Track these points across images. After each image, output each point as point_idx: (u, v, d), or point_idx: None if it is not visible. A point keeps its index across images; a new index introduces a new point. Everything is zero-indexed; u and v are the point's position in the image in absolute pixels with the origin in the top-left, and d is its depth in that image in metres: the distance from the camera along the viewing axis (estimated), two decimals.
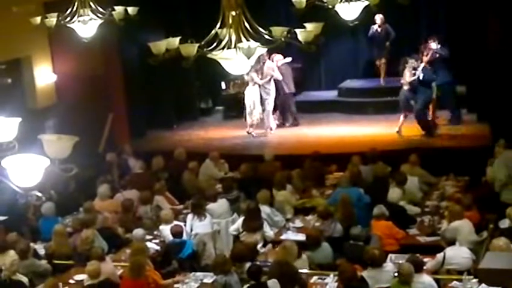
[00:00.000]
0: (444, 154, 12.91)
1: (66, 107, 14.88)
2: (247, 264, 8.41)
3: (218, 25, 7.90)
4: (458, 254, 8.48)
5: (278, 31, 7.81)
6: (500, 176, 10.75)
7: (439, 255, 8.51)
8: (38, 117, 13.92)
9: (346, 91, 17.27)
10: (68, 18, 10.87)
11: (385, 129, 14.83)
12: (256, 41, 7.75)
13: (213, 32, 7.93)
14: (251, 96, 15.29)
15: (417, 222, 10.09)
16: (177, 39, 8.08)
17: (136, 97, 16.28)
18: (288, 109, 16.05)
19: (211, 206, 10.68)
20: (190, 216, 10.40)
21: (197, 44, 7.79)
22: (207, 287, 8.71)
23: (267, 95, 15.35)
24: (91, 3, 10.86)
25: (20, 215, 11.08)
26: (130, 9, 11.02)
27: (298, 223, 10.59)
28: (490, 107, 13.55)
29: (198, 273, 9.15)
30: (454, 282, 8.11)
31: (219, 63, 8.08)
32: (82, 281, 8.86)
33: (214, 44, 7.83)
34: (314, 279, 8.55)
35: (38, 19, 11.04)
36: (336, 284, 8.30)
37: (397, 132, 14.31)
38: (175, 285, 8.86)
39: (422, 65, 13.79)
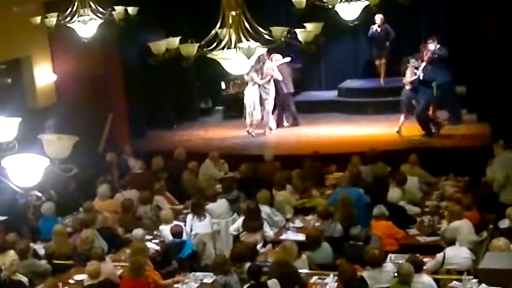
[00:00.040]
0: (444, 154, 12.91)
1: (66, 107, 14.88)
2: (247, 264, 8.41)
3: (218, 25, 7.90)
4: (458, 254, 8.49)
5: (278, 31, 7.81)
6: (498, 176, 10.76)
7: (439, 255, 8.51)
8: (38, 117, 13.92)
9: (346, 91, 17.27)
10: (68, 18, 10.88)
11: (385, 129, 14.83)
12: (256, 41, 7.75)
13: (213, 32, 7.93)
14: (251, 96, 15.29)
15: (417, 222, 10.09)
16: (177, 39, 8.08)
17: (136, 97, 16.28)
18: (287, 109, 16.05)
19: (211, 206, 10.68)
20: (190, 216, 10.40)
21: (197, 44, 7.79)
22: (207, 287, 8.71)
23: (267, 95, 15.35)
24: (91, 3, 10.87)
25: (19, 215, 11.08)
26: (130, 9, 11.02)
27: (298, 223, 10.59)
28: (490, 107, 13.53)
29: (198, 273, 9.15)
30: (454, 282, 8.12)
31: (219, 63, 8.08)
32: (82, 281, 8.86)
33: (214, 44, 7.83)
34: (314, 279, 8.55)
35: (38, 19, 11.05)
36: (336, 284, 8.30)
37: (397, 132, 14.31)
38: (175, 285, 8.86)
39: (424, 64, 13.79)
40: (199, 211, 10.33)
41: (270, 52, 14.28)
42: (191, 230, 10.21)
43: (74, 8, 10.82)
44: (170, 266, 9.33)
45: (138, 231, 9.92)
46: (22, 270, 8.95)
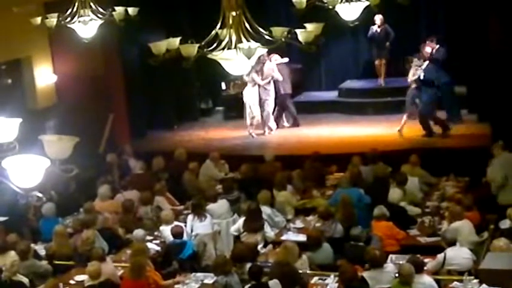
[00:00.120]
0: (445, 155, 12.90)
1: (66, 107, 14.88)
2: (248, 265, 8.41)
3: (218, 25, 7.91)
4: (458, 255, 8.48)
5: (278, 31, 7.81)
6: (497, 177, 10.76)
7: (440, 256, 8.51)
8: (38, 118, 13.92)
9: (346, 91, 17.27)
10: (69, 19, 10.88)
11: (385, 129, 14.82)
12: (256, 42, 7.75)
13: (214, 32, 7.93)
14: (250, 97, 15.29)
15: (418, 222, 10.09)
16: (177, 40, 8.08)
17: (136, 97, 16.28)
18: (286, 110, 16.03)
19: (211, 206, 10.68)
20: (190, 216, 10.39)
21: (197, 45, 7.79)
22: None
23: (267, 95, 15.35)
24: (91, 4, 10.88)
25: (20, 216, 11.07)
26: (131, 10, 11.03)
27: (298, 224, 10.59)
28: (490, 107, 13.53)
29: (199, 274, 9.15)
30: (455, 282, 8.11)
31: (220, 64, 8.08)
32: (83, 281, 8.86)
33: (215, 45, 7.83)
34: (315, 279, 8.55)
35: (39, 19, 11.05)
36: (337, 284, 8.30)
37: (399, 131, 14.29)
38: (176, 286, 8.86)
39: (426, 63, 13.78)
40: (199, 212, 10.32)
41: (269, 52, 14.27)
42: (192, 231, 10.20)
43: (75, 9, 10.82)
44: (171, 267, 9.33)
45: (138, 232, 9.92)
46: (23, 270, 8.95)
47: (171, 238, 9.82)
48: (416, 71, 13.87)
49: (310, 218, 10.67)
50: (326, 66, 18.28)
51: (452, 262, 8.42)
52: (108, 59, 15.49)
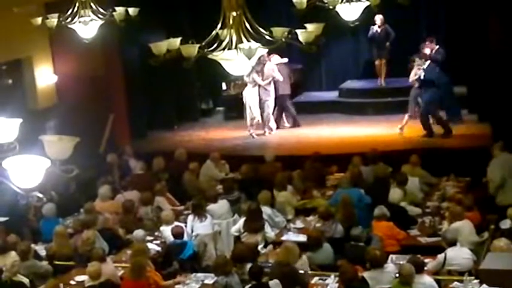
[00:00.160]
0: (445, 155, 12.90)
1: (66, 107, 14.87)
2: (248, 265, 8.41)
3: (219, 26, 7.91)
4: (459, 255, 8.48)
5: (279, 32, 7.81)
6: (495, 178, 10.76)
7: (440, 256, 8.51)
8: (38, 118, 13.91)
9: (346, 92, 17.27)
10: (69, 19, 10.89)
11: (385, 129, 14.82)
12: (257, 42, 7.75)
13: (214, 32, 7.93)
14: (250, 97, 15.29)
15: (418, 223, 10.09)
16: (177, 40, 8.08)
17: (137, 98, 16.28)
18: (285, 110, 16.02)
19: (211, 206, 10.67)
20: (191, 217, 10.39)
21: (198, 45, 7.79)
22: None
23: (267, 96, 15.35)
24: (92, 4, 10.88)
25: (20, 216, 11.07)
26: (131, 10, 11.03)
27: (299, 224, 10.59)
28: (491, 107, 13.54)
29: (199, 274, 9.15)
30: (455, 283, 8.11)
31: (220, 64, 8.08)
32: (83, 282, 8.86)
33: (215, 45, 7.83)
34: (315, 280, 8.55)
35: (39, 20, 11.06)
36: (337, 284, 8.30)
37: (400, 128, 14.27)
38: (176, 286, 8.86)
39: (427, 63, 13.77)
40: (200, 212, 10.32)
41: (269, 53, 14.27)
42: (192, 231, 10.20)
43: (75, 9, 10.83)
44: (171, 267, 9.33)
45: (139, 232, 9.92)
46: (23, 271, 8.95)
47: (171, 238, 9.82)
48: (418, 71, 13.88)
49: (311, 218, 10.67)
50: (326, 67, 18.28)
51: (452, 262, 8.42)
52: (109, 60, 15.49)
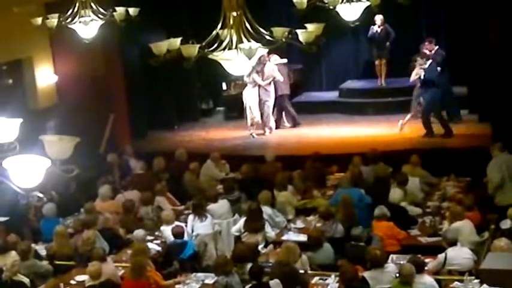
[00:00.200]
0: (445, 155, 12.91)
1: (67, 107, 14.87)
2: (249, 265, 8.41)
3: (219, 26, 7.91)
4: (459, 255, 8.48)
5: (279, 32, 7.81)
6: (494, 178, 10.75)
7: (441, 256, 8.51)
8: (39, 118, 13.91)
9: (347, 92, 17.27)
10: (69, 19, 10.90)
11: (386, 129, 14.82)
12: (257, 42, 7.75)
13: (214, 32, 7.94)
14: (250, 97, 15.28)
15: (418, 222, 10.09)
16: (178, 40, 8.08)
17: (137, 98, 16.29)
18: (285, 111, 16.01)
19: (212, 206, 10.67)
20: (191, 217, 10.39)
21: (198, 45, 7.79)
22: None
23: (267, 96, 15.34)
24: (92, 4, 10.89)
25: (21, 216, 11.07)
26: (132, 10, 11.04)
27: (299, 224, 10.59)
28: (491, 107, 13.54)
29: (199, 274, 9.15)
30: (456, 282, 8.11)
31: (220, 64, 8.08)
32: (83, 281, 8.86)
33: (216, 45, 7.83)
34: (315, 279, 8.55)
35: (39, 20, 11.06)
36: (337, 284, 8.30)
37: (400, 125, 14.26)
38: (177, 286, 8.86)
39: (428, 62, 13.77)
40: (200, 212, 10.32)
41: (269, 53, 14.26)
42: (192, 231, 10.20)
43: (75, 9, 10.84)
44: (171, 267, 9.33)
45: (139, 232, 9.92)
46: (23, 271, 8.95)
47: (171, 238, 9.82)
48: (419, 70, 13.89)
49: (311, 218, 10.67)
50: (327, 67, 18.27)
51: (453, 262, 8.42)
52: (109, 60, 15.49)
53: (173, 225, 10.05)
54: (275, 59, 15.41)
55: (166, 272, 9.14)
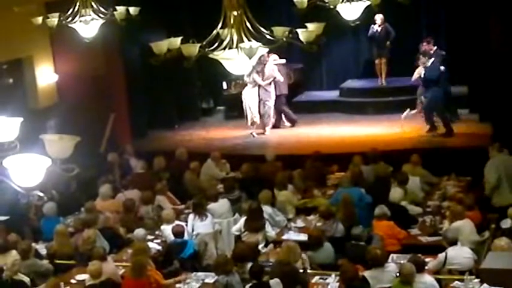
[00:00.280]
0: (446, 154, 12.90)
1: (67, 107, 14.88)
2: (249, 264, 8.40)
3: (220, 25, 7.91)
4: (459, 254, 8.48)
5: (280, 31, 7.81)
6: (490, 179, 10.75)
7: (441, 255, 8.51)
8: (39, 117, 13.91)
9: (347, 91, 17.27)
10: (70, 18, 10.90)
11: (386, 129, 14.83)
12: (257, 41, 7.75)
13: (215, 32, 7.94)
14: (250, 97, 15.28)
15: (419, 222, 10.09)
16: (178, 39, 8.08)
17: (137, 97, 16.29)
18: (281, 111, 15.99)
19: (212, 205, 10.67)
20: (191, 216, 10.39)
21: (199, 44, 7.80)
22: (209, 287, 8.71)
23: (268, 96, 15.35)
24: (93, 3, 10.89)
25: (21, 215, 11.08)
26: (132, 9, 11.04)
27: (299, 223, 10.59)
28: (492, 107, 13.54)
29: (200, 273, 9.15)
30: (456, 282, 8.10)
31: (221, 63, 8.08)
32: (84, 281, 8.86)
33: (216, 44, 7.83)
34: (315, 279, 8.55)
35: (40, 19, 11.07)
36: (338, 284, 8.29)
37: (403, 117, 14.26)
38: (177, 285, 8.86)
39: (431, 61, 13.76)
40: (200, 211, 10.33)
41: (268, 52, 14.23)
42: (193, 230, 10.20)
43: (76, 8, 10.84)
44: (172, 266, 9.33)
45: (139, 231, 9.93)
46: (24, 270, 8.96)
47: (172, 237, 9.82)
48: (421, 70, 13.90)
49: (311, 217, 10.67)
50: (327, 66, 18.28)
51: (453, 261, 8.42)
52: (110, 59, 15.49)
53: (173, 224, 10.05)
54: (274, 58, 15.40)
55: (166, 271, 9.14)
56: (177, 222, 10.25)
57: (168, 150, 14.02)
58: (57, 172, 5.03)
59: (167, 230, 10.05)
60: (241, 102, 15.64)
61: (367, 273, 8.10)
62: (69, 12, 10.88)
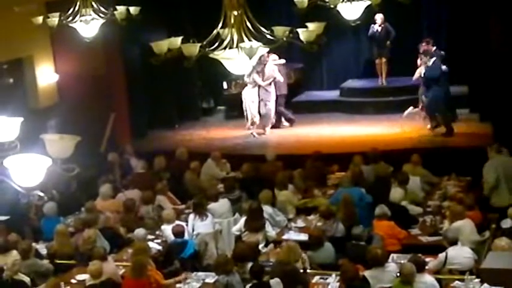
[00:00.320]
0: (446, 154, 12.90)
1: (68, 106, 14.87)
2: (249, 264, 8.41)
3: (220, 25, 7.91)
4: (460, 254, 8.48)
5: (280, 31, 7.81)
6: (489, 179, 10.75)
7: (441, 255, 8.50)
8: (39, 117, 13.90)
9: (347, 91, 17.26)
10: (70, 18, 10.89)
11: (386, 128, 14.83)
12: (258, 41, 7.75)
13: (215, 31, 7.94)
14: (250, 97, 15.27)
15: (419, 222, 10.09)
16: (179, 39, 8.08)
17: (138, 97, 16.29)
18: (278, 111, 15.99)
19: (212, 205, 10.67)
20: (192, 216, 10.39)
21: (199, 44, 7.80)
22: (209, 287, 8.71)
23: (268, 96, 15.34)
24: (93, 3, 10.89)
25: (22, 215, 11.08)
26: (132, 9, 11.04)
27: (300, 223, 10.59)
28: (492, 107, 13.54)
29: (200, 273, 9.15)
30: (456, 282, 8.10)
31: (221, 63, 8.08)
32: (84, 280, 8.86)
33: (216, 44, 7.83)
34: (316, 279, 8.55)
35: (40, 19, 11.06)
36: (338, 283, 8.29)
37: (406, 114, 14.25)
38: (177, 285, 8.86)
39: (432, 60, 13.76)
40: (201, 211, 10.32)
41: (268, 52, 14.22)
42: (193, 230, 10.20)
43: (76, 8, 10.84)
44: (172, 266, 9.33)
45: (140, 231, 9.92)
46: (24, 270, 8.95)
47: (172, 237, 9.82)
48: (422, 69, 13.90)
49: (312, 217, 10.67)
50: (327, 66, 18.27)
51: (453, 261, 8.42)
52: (110, 59, 15.49)
53: (174, 224, 10.05)
54: (274, 58, 15.40)
55: (167, 271, 9.14)
56: (177, 222, 10.24)
57: (168, 150, 14.02)
58: (58, 172, 5.03)
59: (167, 230, 10.04)
60: (242, 102, 15.64)
61: (367, 273, 8.10)
62: (70, 11, 10.87)
